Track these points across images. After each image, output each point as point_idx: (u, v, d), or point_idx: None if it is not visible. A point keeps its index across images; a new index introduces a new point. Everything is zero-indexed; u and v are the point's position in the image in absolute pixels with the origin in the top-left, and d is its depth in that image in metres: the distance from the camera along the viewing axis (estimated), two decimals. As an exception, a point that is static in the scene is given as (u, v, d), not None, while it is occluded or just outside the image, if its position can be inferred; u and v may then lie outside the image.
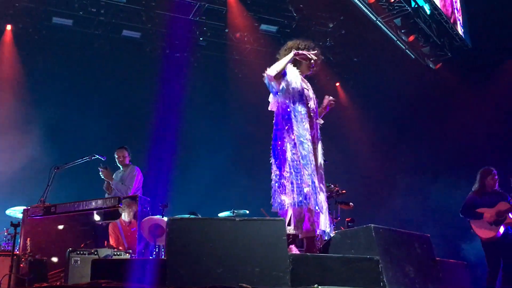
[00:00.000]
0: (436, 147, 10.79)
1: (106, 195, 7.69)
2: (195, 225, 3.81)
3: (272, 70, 4.71)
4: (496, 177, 7.34)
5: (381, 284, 3.91)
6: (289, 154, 4.60)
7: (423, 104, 11.17)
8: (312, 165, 4.61)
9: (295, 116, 4.70)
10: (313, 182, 4.53)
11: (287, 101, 4.74)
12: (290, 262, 3.77)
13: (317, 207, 4.52)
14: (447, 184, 9.71)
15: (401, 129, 11.29)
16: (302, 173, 4.52)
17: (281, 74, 4.73)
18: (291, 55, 4.79)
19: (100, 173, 7.59)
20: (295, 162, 4.56)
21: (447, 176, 10.04)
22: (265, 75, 4.75)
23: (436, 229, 9.41)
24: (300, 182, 4.49)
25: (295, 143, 4.62)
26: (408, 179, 10.58)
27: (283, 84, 4.75)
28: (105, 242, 6.47)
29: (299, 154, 4.57)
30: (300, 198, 4.44)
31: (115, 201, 6.81)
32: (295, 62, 4.92)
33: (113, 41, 10.56)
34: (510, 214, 7.02)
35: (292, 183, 4.50)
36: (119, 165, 7.86)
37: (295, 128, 4.67)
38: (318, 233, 4.68)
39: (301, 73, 4.96)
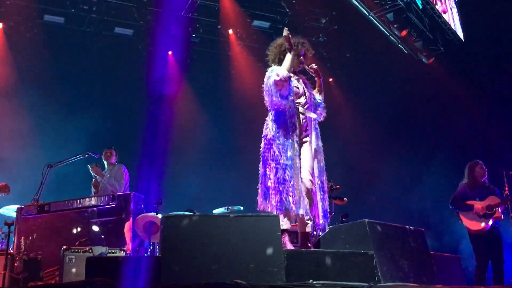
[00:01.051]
0: (430, 141, 10.82)
1: (92, 192, 7.72)
2: (190, 222, 3.81)
3: (283, 71, 4.71)
4: (484, 167, 7.39)
5: (376, 278, 3.93)
6: (275, 156, 4.64)
7: (416, 98, 11.19)
8: (297, 169, 4.62)
9: (281, 118, 4.74)
10: (296, 188, 4.54)
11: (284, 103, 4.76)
12: (285, 258, 3.78)
13: (300, 212, 4.55)
14: (442, 177, 9.75)
15: (395, 123, 11.31)
16: (286, 179, 4.55)
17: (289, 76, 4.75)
18: (289, 55, 4.80)
19: (90, 170, 7.64)
20: (281, 166, 4.58)
21: (442, 169, 10.07)
22: (271, 80, 4.72)
23: (432, 223, 9.48)
24: (285, 190, 4.52)
25: (283, 143, 4.64)
26: (403, 174, 10.62)
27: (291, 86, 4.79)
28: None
29: (283, 161, 4.60)
30: (284, 205, 4.51)
31: (109, 199, 6.79)
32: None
33: (105, 39, 10.52)
34: (499, 208, 7.10)
35: (276, 188, 4.55)
36: (104, 161, 7.96)
37: (282, 129, 4.70)
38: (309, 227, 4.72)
39: (293, 69, 4.97)
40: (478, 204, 7.13)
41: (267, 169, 4.67)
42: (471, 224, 7.16)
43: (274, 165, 4.62)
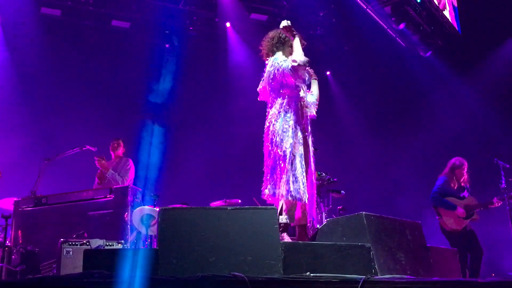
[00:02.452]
0: (428, 134, 10.84)
1: (96, 184, 7.72)
2: (187, 214, 3.81)
3: (300, 56, 4.75)
4: (466, 171, 7.47)
5: (373, 271, 3.95)
6: (285, 145, 4.63)
7: (414, 91, 11.20)
8: (302, 157, 4.64)
9: (291, 107, 4.75)
10: (304, 177, 4.57)
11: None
12: (282, 250, 3.79)
13: (306, 200, 4.57)
14: (440, 171, 9.77)
15: (392, 117, 11.33)
16: (296, 167, 4.55)
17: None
18: (297, 40, 4.85)
19: (96, 162, 7.61)
20: (291, 155, 4.58)
21: (439, 163, 10.08)
22: (285, 65, 4.74)
23: (429, 217, 9.48)
24: (295, 177, 4.52)
25: (293, 132, 4.64)
26: (400, 167, 10.64)
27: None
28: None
29: (295, 146, 4.60)
30: (293, 193, 4.51)
31: (107, 192, 6.79)
32: (284, 51, 4.94)
33: (102, 31, 10.48)
34: (477, 210, 7.22)
35: (287, 175, 4.54)
36: (111, 152, 7.93)
37: (292, 118, 4.70)
38: (309, 220, 4.74)
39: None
40: (459, 204, 7.20)
41: (276, 158, 4.66)
42: (451, 222, 7.21)
43: (283, 154, 4.62)
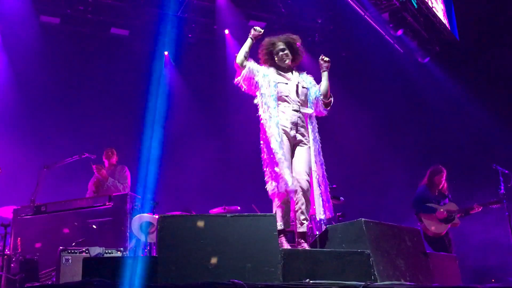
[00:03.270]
0: (426, 140, 10.85)
1: (92, 192, 7.71)
2: (186, 222, 3.82)
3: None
4: (444, 178, 7.61)
5: (372, 277, 3.94)
6: (265, 149, 4.79)
7: (412, 97, 11.21)
8: (284, 157, 4.68)
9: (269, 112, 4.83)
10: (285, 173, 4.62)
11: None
12: (282, 257, 3.79)
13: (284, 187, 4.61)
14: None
15: (391, 123, 11.33)
16: (274, 166, 4.66)
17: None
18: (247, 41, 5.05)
19: (96, 171, 7.61)
20: (270, 156, 4.70)
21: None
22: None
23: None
24: (274, 173, 4.64)
25: (271, 129, 4.75)
26: (399, 173, 10.63)
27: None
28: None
29: (272, 149, 4.69)
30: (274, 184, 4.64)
31: (106, 199, 6.79)
32: (268, 58, 5.09)
33: (101, 39, 10.51)
34: (457, 215, 7.38)
35: (269, 172, 4.70)
36: (105, 160, 7.97)
37: (270, 116, 4.80)
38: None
39: (278, 67, 5.10)
40: (440, 209, 7.34)
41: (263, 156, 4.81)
42: (433, 227, 7.35)
43: (266, 156, 4.78)
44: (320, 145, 5.00)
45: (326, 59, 5.23)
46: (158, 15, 10.19)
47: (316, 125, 5.07)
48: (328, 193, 4.91)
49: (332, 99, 5.25)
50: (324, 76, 5.24)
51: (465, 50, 10.91)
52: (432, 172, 7.69)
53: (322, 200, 4.79)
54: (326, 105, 5.21)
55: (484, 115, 10.26)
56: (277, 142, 4.69)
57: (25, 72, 9.85)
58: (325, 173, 4.96)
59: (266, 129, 4.78)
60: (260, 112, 4.90)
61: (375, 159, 11.15)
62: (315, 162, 4.87)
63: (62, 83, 10.18)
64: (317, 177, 4.84)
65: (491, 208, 7.48)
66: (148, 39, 10.75)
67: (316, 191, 4.79)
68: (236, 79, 5.09)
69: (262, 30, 5.05)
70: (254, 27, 5.08)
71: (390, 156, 10.94)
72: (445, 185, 7.65)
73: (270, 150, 4.70)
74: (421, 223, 7.45)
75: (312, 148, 4.90)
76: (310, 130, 4.96)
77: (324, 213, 4.78)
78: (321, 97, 5.16)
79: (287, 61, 5.11)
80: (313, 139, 4.94)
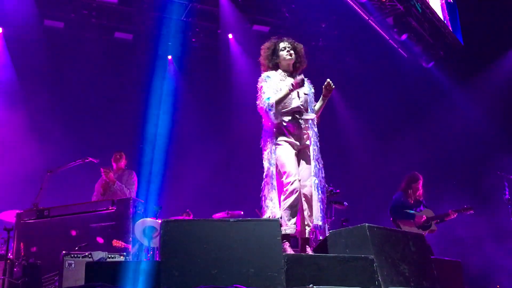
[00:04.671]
0: (430, 145, 10.81)
1: (100, 194, 7.70)
2: (189, 226, 3.80)
3: (272, 101, 4.81)
4: (421, 185, 7.70)
5: (376, 283, 3.92)
6: (266, 163, 4.82)
7: (416, 102, 11.18)
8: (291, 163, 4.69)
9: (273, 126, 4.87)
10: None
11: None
12: (285, 262, 3.77)
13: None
14: (441, 182, 9.74)
15: (395, 127, 11.30)
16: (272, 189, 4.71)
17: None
18: (286, 91, 4.85)
19: (103, 174, 7.60)
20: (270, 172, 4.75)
21: (440, 174, 10.07)
22: (263, 102, 4.85)
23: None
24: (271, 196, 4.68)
25: (273, 151, 4.77)
26: (403, 178, 10.59)
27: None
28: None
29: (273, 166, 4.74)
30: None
31: (109, 204, 6.78)
32: (273, 60, 5.03)
33: (105, 43, 10.52)
34: (434, 222, 7.46)
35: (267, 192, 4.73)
36: (113, 163, 7.93)
37: (273, 136, 4.83)
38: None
39: (282, 68, 5.06)
40: (417, 216, 7.41)
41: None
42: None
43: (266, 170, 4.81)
44: (319, 149, 4.97)
45: (332, 86, 5.07)
46: (162, 19, 10.21)
47: (317, 131, 5.03)
48: (325, 199, 4.93)
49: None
50: (323, 100, 5.17)
51: (469, 55, 10.87)
52: (409, 179, 7.76)
53: (321, 206, 4.78)
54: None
55: (488, 120, 10.23)
56: (281, 149, 4.71)
57: (29, 76, 9.88)
58: (323, 178, 4.93)
59: (268, 137, 4.81)
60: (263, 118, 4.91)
61: (379, 164, 11.12)
62: (315, 167, 4.85)
63: (65, 87, 10.20)
64: (316, 181, 4.81)
65: (465, 214, 7.51)
66: (152, 44, 10.76)
67: (315, 195, 4.77)
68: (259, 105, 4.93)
69: (304, 82, 4.93)
70: (297, 80, 4.87)
71: (394, 161, 10.91)
72: (421, 192, 7.71)
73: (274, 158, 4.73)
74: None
75: (312, 154, 4.88)
76: (311, 135, 4.93)
77: (322, 219, 4.77)
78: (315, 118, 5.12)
79: (290, 60, 5.04)
80: (314, 144, 4.91)
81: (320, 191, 4.81)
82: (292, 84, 4.79)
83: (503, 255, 8.77)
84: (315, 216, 4.73)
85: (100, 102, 10.40)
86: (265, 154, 4.81)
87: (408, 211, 7.47)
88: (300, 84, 4.79)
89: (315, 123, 5.01)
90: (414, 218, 7.39)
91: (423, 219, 7.36)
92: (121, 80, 10.64)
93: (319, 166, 4.89)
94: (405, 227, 7.42)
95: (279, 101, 4.79)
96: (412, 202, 7.61)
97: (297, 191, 4.62)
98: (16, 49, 9.85)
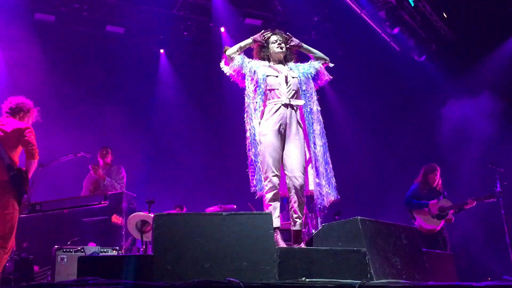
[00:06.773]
0: (423, 138, 10.84)
1: (86, 191, 7.69)
2: (182, 220, 3.80)
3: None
4: (438, 175, 7.72)
5: (368, 276, 3.93)
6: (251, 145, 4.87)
7: (409, 96, 11.20)
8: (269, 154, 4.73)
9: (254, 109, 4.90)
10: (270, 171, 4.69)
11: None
12: (278, 256, 3.77)
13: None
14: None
15: (388, 122, 11.32)
16: (257, 165, 4.76)
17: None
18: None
19: (92, 171, 7.60)
20: (253, 153, 4.81)
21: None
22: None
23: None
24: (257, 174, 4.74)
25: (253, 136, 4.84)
26: (396, 171, 10.64)
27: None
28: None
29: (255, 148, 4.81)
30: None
31: (101, 198, 6.77)
32: (263, 52, 5.10)
33: (96, 37, 10.46)
34: (451, 211, 7.47)
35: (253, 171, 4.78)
36: (99, 159, 7.97)
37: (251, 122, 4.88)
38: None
39: (273, 60, 5.09)
40: (432, 205, 7.45)
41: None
42: (426, 224, 7.47)
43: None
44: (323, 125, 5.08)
45: (295, 41, 5.20)
46: (153, 12, 10.18)
47: (316, 111, 5.02)
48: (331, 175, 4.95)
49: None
50: (305, 48, 5.26)
51: (461, 49, 10.89)
52: (426, 170, 7.80)
53: (321, 186, 4.81)
54: (327, 68, 5.22)
55: (481, 113, 10.26)
56: (264, 139, 4.76)
57: (20, 69, 9.80)
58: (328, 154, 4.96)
59: (251, 128, 4.86)
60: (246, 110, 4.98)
61: (372, 158, 11.15)
62: (314, 146, 4.87)
63: (57, 81, 10.13)
64: (316, 163, 4.85)
65: (486, 202, 7.55)
66: (144, 37, 10.73)
67: (315, 180, 4.82)
68: (222, 66, 5.16)
69: (268, 37, 5.07)
70: (264, 32, 5.13)
71: (387, 155, 10.95)
72: (440, 182, 7.72)
73: (255, 149, 4.78)
74: (414, 220, 7.57)
75: (305, 139, 4.92)
76: (306, 119, 4.94)
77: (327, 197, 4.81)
78: (321, 63, 5.16)
79: (280, 52, 5.07)
80: (311, 125, 4.91)
81: (320, 173, 4.87)
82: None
83: (494, 248, 8.83)
84: (317, 197, 4.85)
85: (92, 96, 10.35)
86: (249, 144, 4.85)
87: (420, 201, 7.53)
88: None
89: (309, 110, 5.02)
90: (428, 205, 7.43)
91: (437, 206, 7.39)
92: (113, 73, 10.59)
93: (320, 149, 4.94)
94: (420, 216, 7.51)
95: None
96: (426, 192, 7.65)
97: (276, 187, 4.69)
98: (6, 43, 9.78)
